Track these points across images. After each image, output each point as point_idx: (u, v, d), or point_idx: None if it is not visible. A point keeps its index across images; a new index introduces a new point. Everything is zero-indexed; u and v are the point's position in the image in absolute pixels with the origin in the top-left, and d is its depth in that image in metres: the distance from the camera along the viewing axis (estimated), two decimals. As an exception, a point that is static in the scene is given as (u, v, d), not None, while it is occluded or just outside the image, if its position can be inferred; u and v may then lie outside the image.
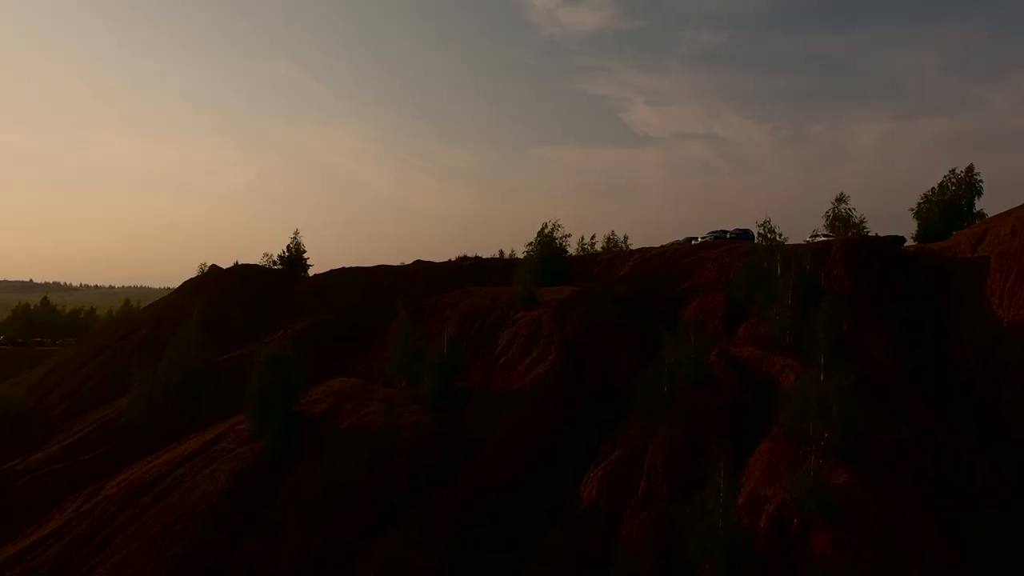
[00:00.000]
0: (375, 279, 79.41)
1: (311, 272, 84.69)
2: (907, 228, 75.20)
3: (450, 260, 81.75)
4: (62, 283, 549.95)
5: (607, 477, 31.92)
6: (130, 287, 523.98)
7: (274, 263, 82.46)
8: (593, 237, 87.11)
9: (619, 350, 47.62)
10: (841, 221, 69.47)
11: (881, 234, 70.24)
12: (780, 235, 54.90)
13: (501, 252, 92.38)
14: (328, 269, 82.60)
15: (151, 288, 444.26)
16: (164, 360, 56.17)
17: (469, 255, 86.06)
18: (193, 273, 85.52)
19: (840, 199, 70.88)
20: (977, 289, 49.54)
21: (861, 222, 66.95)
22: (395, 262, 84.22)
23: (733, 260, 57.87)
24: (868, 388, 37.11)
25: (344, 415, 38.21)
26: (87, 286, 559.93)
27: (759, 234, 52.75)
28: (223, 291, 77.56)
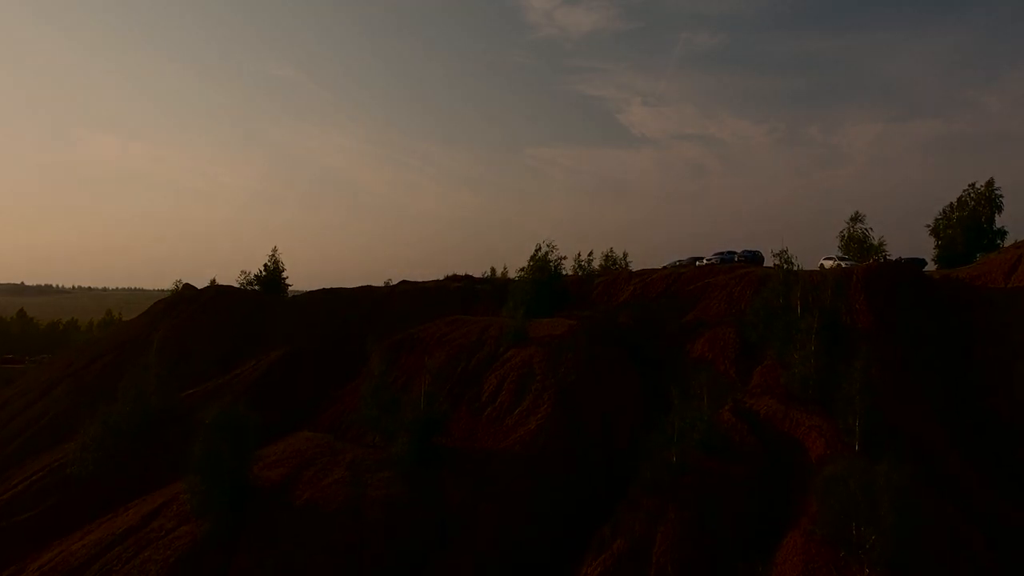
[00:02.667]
0: (358, 301, 74.46)
1: (295, 283, 79.81)
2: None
3: (437, 280, 76.78)
4: (54, 286, 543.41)
5: (607, 574, 26.91)
6: (124, 289, 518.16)
7: (251, 283, 77.26)
8: (591, 254, 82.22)
9: (620, 398, 42.67)
10: (857, 242, 64.68)
11: (895, 254, 65.65)
12: (796, 264, 50.13)
13: (493, 270, 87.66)
14: (319, 271, 78.45)
15: (145, 290, 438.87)
16: (119, 399, 50.99)
17: (459, 273, 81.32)
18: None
19: (855, 218, 66.13)
20: (1015, 327, 44.75)
21: (880, 245, 61.96)
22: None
23: (743, 289, 52.94)
24: (900, 448, 32.40)
25: (304, 485, 33.13)
26: (80, 288, 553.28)
27: (775, 264, 47.68)
28: (195, 314, 72.44)
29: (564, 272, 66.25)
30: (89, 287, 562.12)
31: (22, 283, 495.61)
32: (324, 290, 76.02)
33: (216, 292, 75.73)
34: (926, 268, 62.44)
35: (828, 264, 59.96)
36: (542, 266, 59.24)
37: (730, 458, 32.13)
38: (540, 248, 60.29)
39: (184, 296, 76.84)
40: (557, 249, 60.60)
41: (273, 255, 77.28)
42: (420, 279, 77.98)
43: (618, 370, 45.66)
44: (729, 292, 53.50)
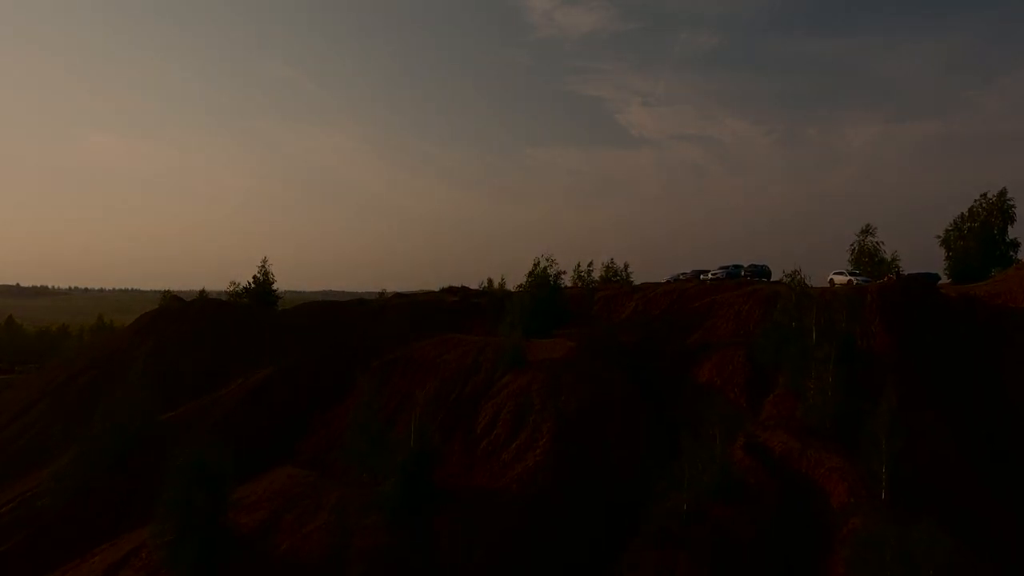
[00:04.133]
0: (350, 315, 72.08)
1: (294, 284, 78.04)
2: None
3: (433, 292, 74.36)
4: (50, 287, 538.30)
5: (613, 642, 24.48)
6: (120, 290, 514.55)
7: (240, 295, 74.72)
8: (590, 265, 79.42)
9: (623, 425, 40.21)
10: (868, 256, 62.25)
11: (903, 264, 63.32)
12: (808, 280, 47.66)
13: (490, 281, 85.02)
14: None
15: (141, 291, 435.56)
16: (96, 423, 48.37)
17: (455, 285, 78.87)
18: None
19: (866, 231, 63.73)
20: (1041, 351, 42.35)
21: (893, 260, 59.45)
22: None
23: (752, 308, 50.44)
24: (929, 496, 30.01)
25: (284, 533, 30.69)
26: (76, 289, 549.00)
27: (785, 279, 45.12)
28: (182, 328, 69.89)
29: (563, 283, 63.78)
30: (85, 288, 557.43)
31: (17, 284, 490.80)
32: (316, 303, 73.73)
33: (204, 305, 73.25)
34: (939, 283, 60.12)
35: (839, 279, 57.51)
36: (541, 282, 56.76)
37: (745, 504, 29.68)
38: (539, 262, 57.87)
39: (171, 309, 74.27)
40: (556, 263, 58.15)
41: (263, 266, 74.71)
42: (418, 282, 76.40)
43: (620, 396, 43.17)
44: (737, 311, 51.02)
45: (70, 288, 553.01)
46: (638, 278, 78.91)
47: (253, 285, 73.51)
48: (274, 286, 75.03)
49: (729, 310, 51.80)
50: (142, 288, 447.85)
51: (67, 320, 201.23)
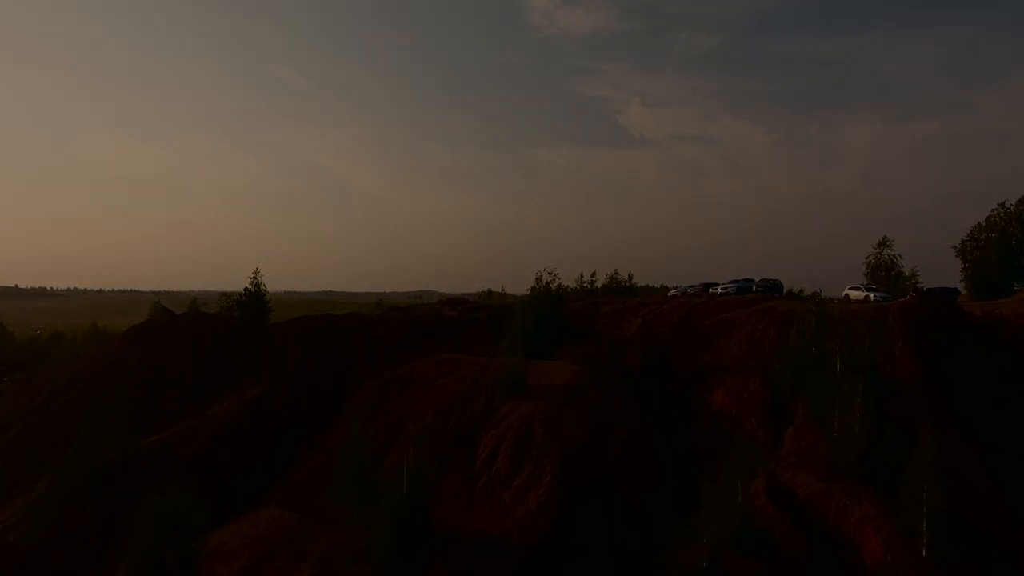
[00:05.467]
0: (344, 329, 69.25)
1: (287, 287, 75.53)
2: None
3: (430, 305, 71.75)
4: (48, 288, 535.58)
5: None
6: (120, 291, 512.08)
7: (232, 308, 72.08)
8: (593, 275, 76.87)
9: (629, 455, 37.61)
10: (884, 270, 59.64)
11: (909, 270, 60.78)
12: (825, 301, 45.05)
13: (489, 291, 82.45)
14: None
15: (141, 291, 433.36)
16: (72, 451, 45.72)
17: (454, 295, 76.21)
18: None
19: (883, 243, 61.15)
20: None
21: (913, 275, 56.77)
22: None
23: (767, 329, 47.75)
24: (962, 533, 27.43)
25: (263, 587, 28.05)
26: (75, 290, 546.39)
27: (809, 310, 42.35)
28: (170, 343, 67.19)
29: (568, 288, 61.01)
30: (84, 289, 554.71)
31: (16, 286, 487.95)
32: (310, 317, 70.90)
33: (193, 318, 70.50)
34: (959, 297, 57.46)
35: (855, 295, 54.91)
36: (543, 298, 54.06)
37: (769, 559, 27.06)
38: (541, 277, 55.16)
39: (159, 323, 71.49)
40: (559, 277, 55.40)
41: (255, 277, 72.01)
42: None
43: (626, 427, 40.55)
44: (751, 331, 48.30)
45: (69, 289, 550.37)
46: (640, 281, 77.04)
47: (245, 297, 70.84)
48: (267, 297, 72.42)
49: (742, 330, 49.11)
50: (141, 289, 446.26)
51: (66, 322, 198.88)
